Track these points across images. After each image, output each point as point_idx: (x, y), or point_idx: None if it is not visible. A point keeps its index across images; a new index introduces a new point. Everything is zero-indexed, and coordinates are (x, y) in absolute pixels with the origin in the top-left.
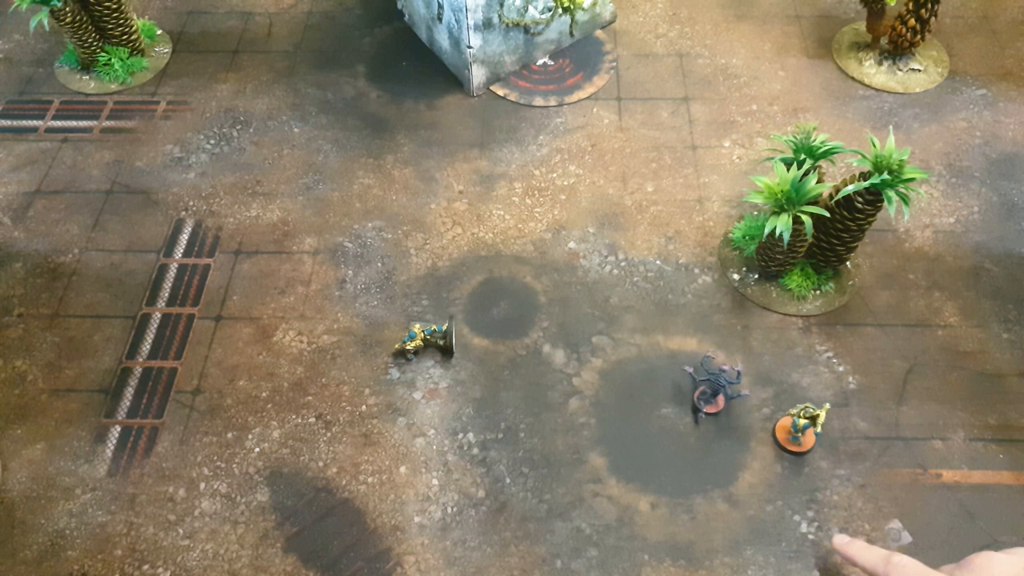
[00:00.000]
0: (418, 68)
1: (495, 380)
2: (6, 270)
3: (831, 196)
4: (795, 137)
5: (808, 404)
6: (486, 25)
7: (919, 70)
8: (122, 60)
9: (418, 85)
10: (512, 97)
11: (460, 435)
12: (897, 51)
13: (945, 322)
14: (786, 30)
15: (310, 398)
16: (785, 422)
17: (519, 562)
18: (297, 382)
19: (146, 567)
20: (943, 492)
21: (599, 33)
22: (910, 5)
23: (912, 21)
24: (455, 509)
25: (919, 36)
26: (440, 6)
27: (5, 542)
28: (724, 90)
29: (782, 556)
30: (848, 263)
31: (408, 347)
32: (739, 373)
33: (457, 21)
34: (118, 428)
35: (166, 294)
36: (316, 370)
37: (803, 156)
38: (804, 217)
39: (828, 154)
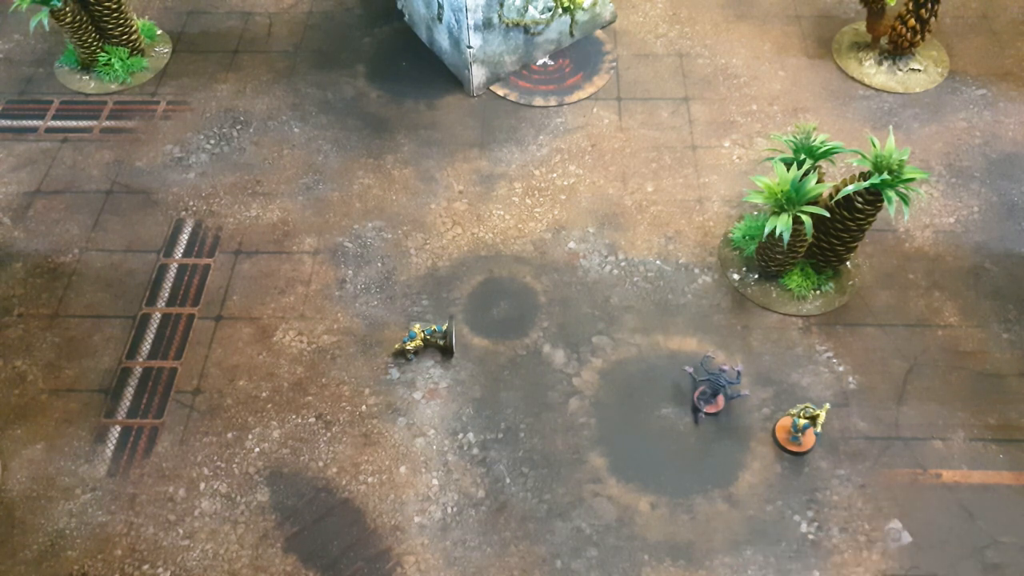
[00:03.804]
0: (418, 68)
1: (495, 380)
2: (6, 270)
3: (831, 196)
4: (795, 137)
5: (808, 404)
6: (486, 25)
7: (919, 70)
8: (122, 60)
9: (418, 85)
10: (512, 97)
11: (460, 435)
12: (897, 51)
13: (945, 322)
14: (786, 30)
15: (310, 398)
16: (785, 422)
17: (519, 562)
18: (297, 382)
19: (146, 567)
20: (943, 492)
21: (599, 33)
22: (910, 5)
23: (912, 21)
24: (455, 509)
25: (919, 36)
26: (440, 6)
27: (5, 542)
28: (724, 90)
29: (782, 556)
30: (848, 263)
31: (408, 347)
32: (739, 373)
33: (457, 21)
34: (118, 428)
35: (166, 294)
36: (316, 370)
37: (803, 156)
38: (804, 217)
39: (828, 154)
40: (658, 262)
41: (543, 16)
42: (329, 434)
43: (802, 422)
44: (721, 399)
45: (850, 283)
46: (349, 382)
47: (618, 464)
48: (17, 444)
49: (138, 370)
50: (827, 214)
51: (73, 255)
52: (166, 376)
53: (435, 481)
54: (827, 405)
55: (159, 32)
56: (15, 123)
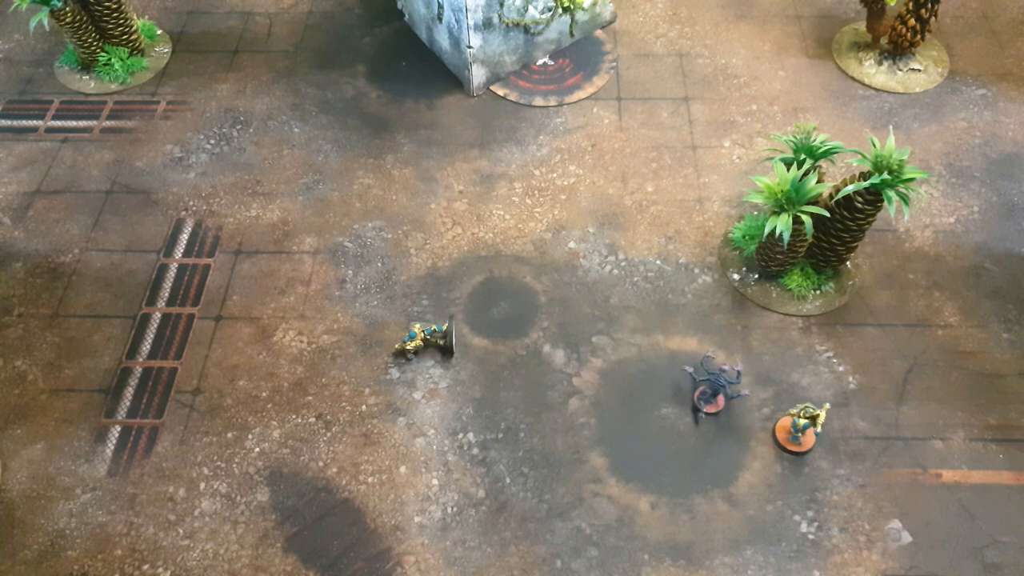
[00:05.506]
0: (418, 68)
1: (495, 380)
2: (6, 270)
3: (831, 196)
4: (795, 137)
5: (808, 404)
6: (486, 25)
7: (919, 70)
8: (122, 60)
9: (418, 85)
10: (512, 97)
11: (460, 435)
12: (897, 51)
13: (945, 322)
14: (786, 30)
15: (310, 398)
16: (785, 422)
17: (519, 562)
18: (297, 382)
19: (146, 567)
20: (943, 492)
21: (599, 33)
22: (910, 5)
23: (912, 21)
24: (455, 509)
25: (919, 36)
26: (440, 6)
27: (5, 542)
28: (724, 90)
29: (782, 556)
30: (848, 263)
31: (408, 347)
32: (739, 373)
33: (457, 21)
34: (118, 428)
35: (166, 294)
36: (316, 370)
37: (803, 156)
38: (804, 217)
39: (828, 154)
40: (658, 262)
41: (543, 16)
42: (329, 434)
43: (802, 422)
44: (721, 399)
45: (850, 283)
46: (349, 382)
47: (618, 464)
48: (17, 444)
49: (138, 370)
50: (827, 214)
51: (73, 255)
52: (166, 376)
53: (435, 481)
54: (827, 405)
55: (159, 32)
56: (15, 123)
